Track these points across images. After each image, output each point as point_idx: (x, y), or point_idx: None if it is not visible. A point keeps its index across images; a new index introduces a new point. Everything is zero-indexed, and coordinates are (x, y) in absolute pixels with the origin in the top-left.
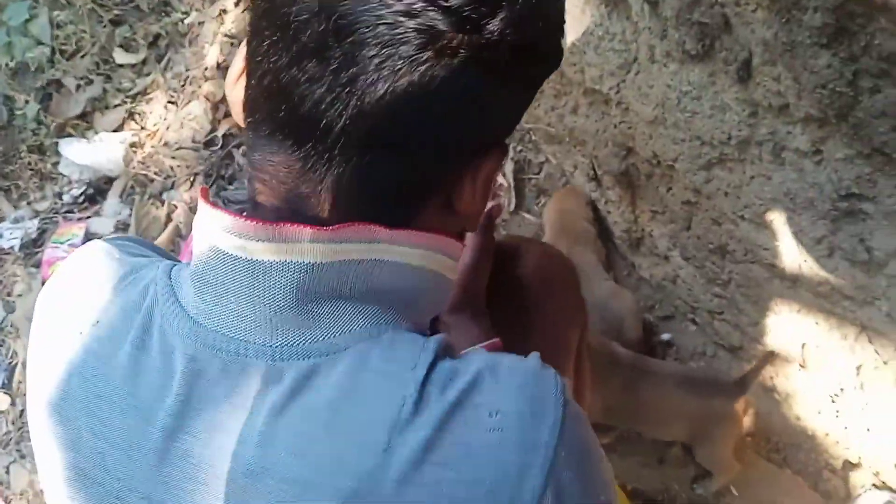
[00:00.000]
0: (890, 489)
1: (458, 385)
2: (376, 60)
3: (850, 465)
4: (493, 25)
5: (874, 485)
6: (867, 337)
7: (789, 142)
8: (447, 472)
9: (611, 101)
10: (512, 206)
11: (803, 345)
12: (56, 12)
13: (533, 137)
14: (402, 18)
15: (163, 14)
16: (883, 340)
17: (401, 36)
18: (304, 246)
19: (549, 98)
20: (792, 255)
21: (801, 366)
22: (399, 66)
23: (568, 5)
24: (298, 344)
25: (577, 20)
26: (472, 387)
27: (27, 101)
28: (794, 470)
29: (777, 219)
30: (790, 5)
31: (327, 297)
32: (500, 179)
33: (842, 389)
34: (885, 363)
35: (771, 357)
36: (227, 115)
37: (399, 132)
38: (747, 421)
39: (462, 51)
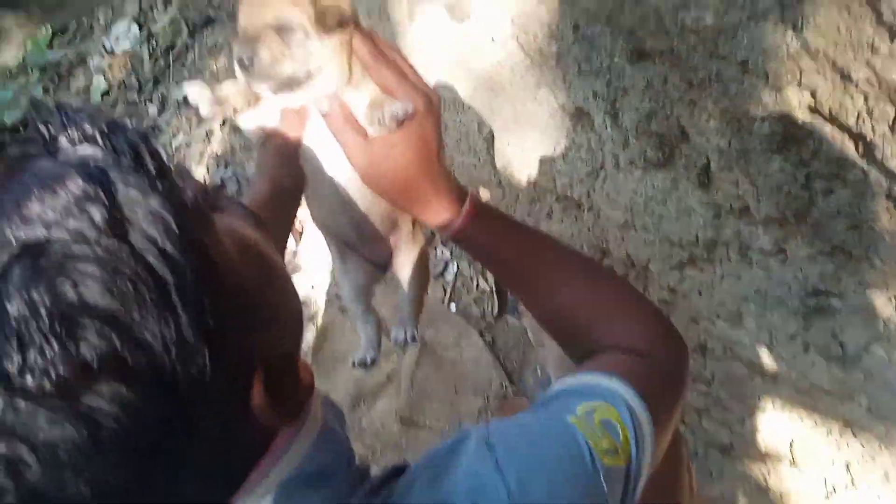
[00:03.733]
0: None
1: None
2: None
3: None
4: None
5: None
6: (851, 432)
7: (753, 242)
8: None
9: (582, 206)
10: (495, 312)
11: (791, 442)
12: None
13: None
14: None
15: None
16: (867, 435)
17: None
18: None
19: (524, 204)
20: (769, 351)
21: (792, 463)
22: None
23: (535, 117)
24: None
25: (545, 132)
26: None
27: None
28: None
29: (751, 316)
30: (740, 115)
31: None
32: (482, 284)
33: (834, 489)
34: (872, 458)
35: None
36: None
37: None
38: None
39: None
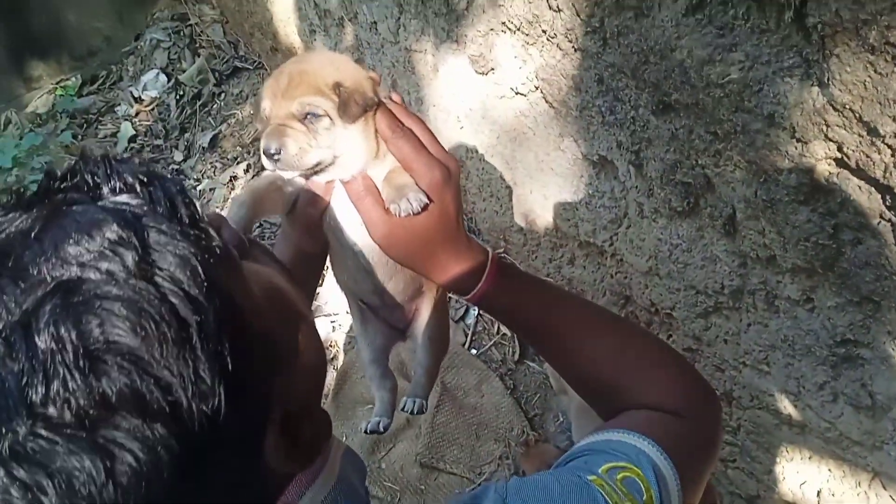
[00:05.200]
0: None
1: None
2: None
3: None
4: None
5: None
6: (880, 483)
7: (780, 291)
8: None
9: (605, 253)
10: (516, 357)
11: (819, 492)
12: None
13: None
14: None
15: None
16: None
17: None
18: None
19: (546, 250)
20: (797, 400)
21: None
22: None
23: (558, 165)
24: None
25: (568, 179)
26: None
27: None
28: None
29: (778, 365)
30: (766, 167)
31: None
32: (503, 328)
33: None
34: None
35: None
36: None
37: None
38: None
39: None
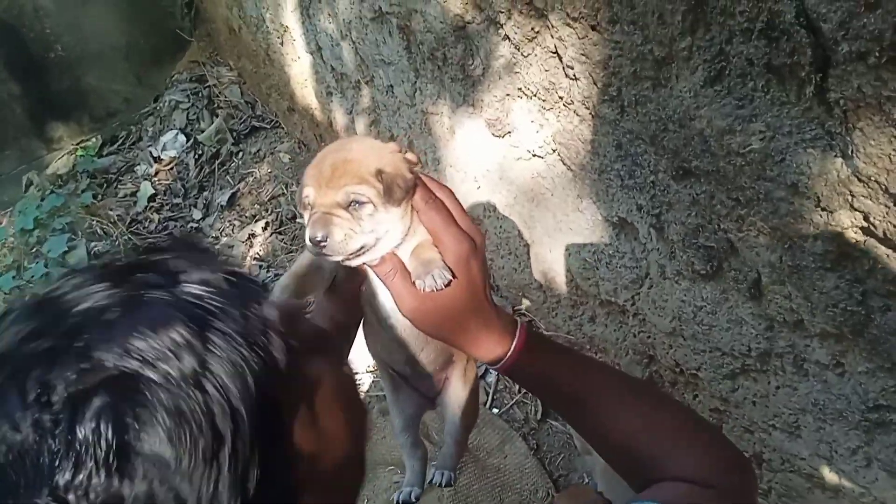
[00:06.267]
0: None
1: None
2: None
3: None
4: None
5: None
6: None
7: (809, 355)
8: None
9: (627, 312)
10: (539, 416)
11: None
12: (93, 243)
13: None
14: None
15: None
16: None
17: None
18: None
19: (566, 308)
20: (829, 465)
21: None
22: None
23: (577, 226)
24: None
25: (587, 238)
26: None
27: None
28: None
29: (809, 429)
30: (791, 233)
31: None
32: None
33: None
34: None
35: None
36: None
37: None
38: None
39: None
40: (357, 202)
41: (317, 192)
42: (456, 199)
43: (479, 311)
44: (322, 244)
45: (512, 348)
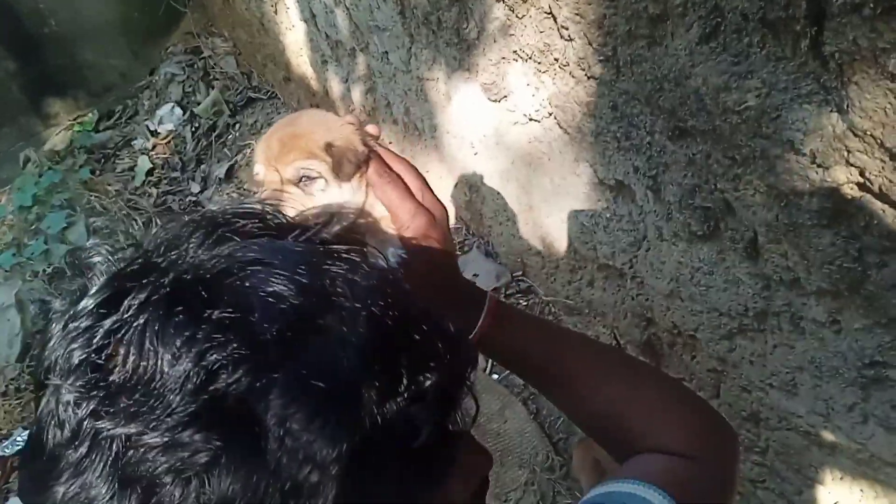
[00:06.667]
0: None
1: None
2: None
3: None
4: None
5: None
6: None
7: (806, 313)
8: None
9: (625, 275)
10: None
11: None
12: (92, 219)
13: (553, 310)
14: None
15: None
16: None
17: None
18: None
19: (564, 272)
20: (826, 422)
21: None
22: None
23: (574, 189)
24: None
25: (584, 203)
26: None
27: None
28: None
29: (806, 386)
30: (787, 191)
31: None
32: None
33: None
34: None
35: None
36: None
37: None
38: None
39: None
40: (307, 177)
41: (266, 169)
42: (416, 171)
43: (441, 287)
44: None
45: (480, 323)
